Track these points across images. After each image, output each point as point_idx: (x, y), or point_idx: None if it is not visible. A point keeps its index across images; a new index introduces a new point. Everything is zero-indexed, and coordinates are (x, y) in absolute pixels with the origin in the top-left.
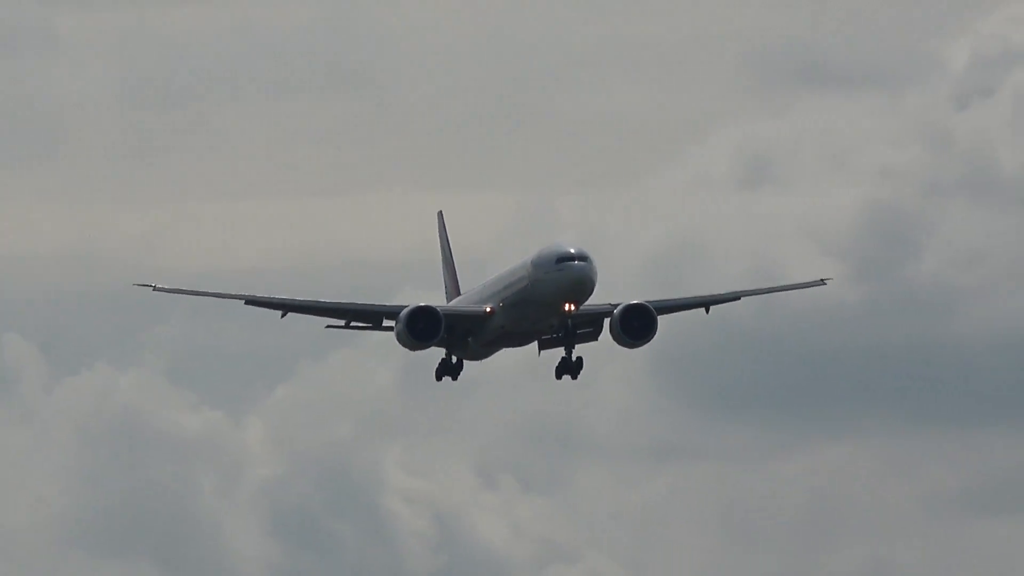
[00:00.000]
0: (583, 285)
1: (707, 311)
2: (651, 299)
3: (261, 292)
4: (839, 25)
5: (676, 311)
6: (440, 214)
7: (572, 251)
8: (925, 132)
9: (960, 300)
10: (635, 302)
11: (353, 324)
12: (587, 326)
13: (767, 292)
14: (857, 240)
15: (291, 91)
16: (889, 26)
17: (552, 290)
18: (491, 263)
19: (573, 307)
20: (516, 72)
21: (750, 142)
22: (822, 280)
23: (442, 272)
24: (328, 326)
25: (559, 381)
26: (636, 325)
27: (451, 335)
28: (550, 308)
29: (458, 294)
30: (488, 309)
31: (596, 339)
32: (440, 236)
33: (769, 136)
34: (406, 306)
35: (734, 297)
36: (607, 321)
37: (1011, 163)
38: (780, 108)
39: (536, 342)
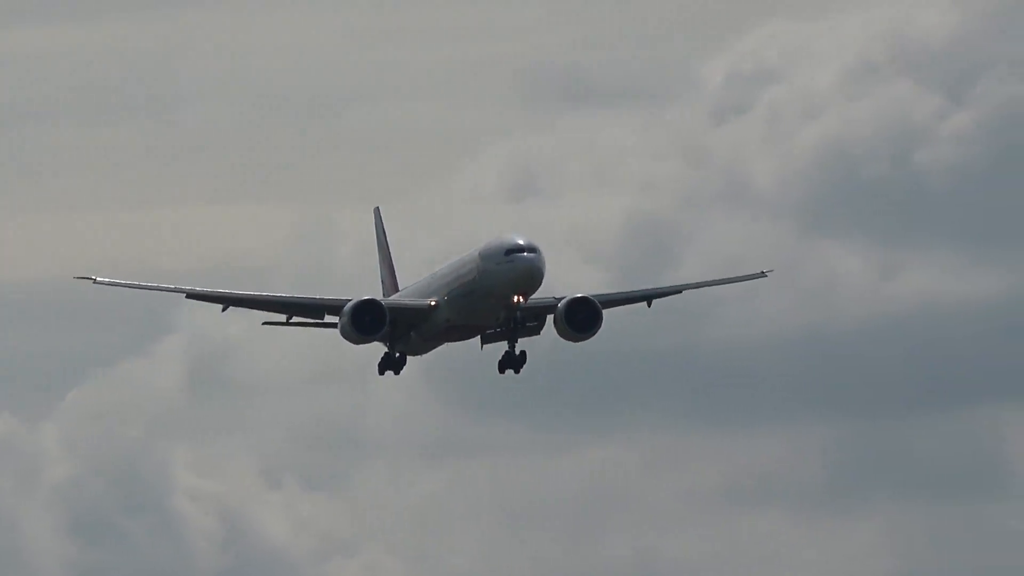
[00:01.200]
0: (532, 276)
1: (649, 304)
2: (594, 293)
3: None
4: (603, 45)
5: (619, 305)
6: (376, 210)
7: (521, 242)
8: (683, 146)
9: (717, 305)
10: (579, 295)
11: (294, 320)
12: (530, 320)
13: (709, 285)
14: (620, 248)
15: (90, 114)
16: (650, 45)
17: (501, 282)
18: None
19: (522, 299)
20: (300, 91)
21: (519, 156)
22: (763, 272)
23: (379, 268)
24: (265, 322)
25: (502, 375)
26: (580, 318)
27: (394, 329)
28: (498, 300)
29: (396, 290)
30: (432, 302)
31: (539, 333)
32: (376, 231)
33: (537, 151)
34: (349, 300)
35: (676, 291)
36: (550, 315)
37: (764, 176)
38: (547, 124)
39: (479, 336)
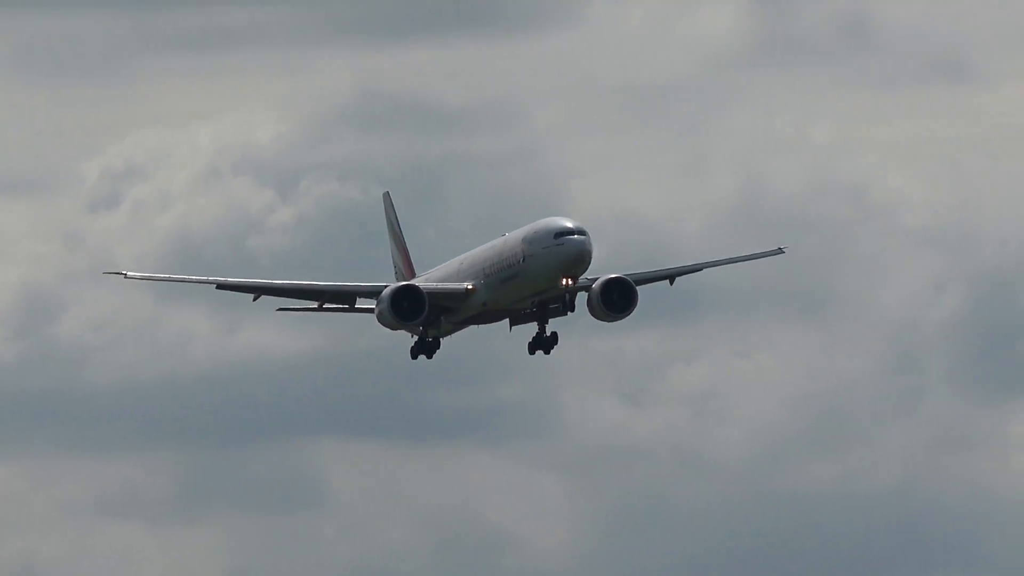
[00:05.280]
0: (583, 259)
1: (671, 283)
2: (626, 272)
3: None
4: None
5: (646, 283)
6: (386, 195)
7: (570, 225)
8: (63, 231)
9: (202, 336)
10: (614, 276)
11: (327, 306)
12: (556, 301)
13: (728, 263)
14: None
15: None
16: (42, 144)
17: (552, 265)
18: None
19: (570, 281)
20: None
21: None
22: (780, 248)
23: (391, 253)
24: (280, 308)
25: (532, 356)
26: (616, 299)
27: (428, 314)
28: (545, 283)
29: (412, 274)
30: (470, 286)
31: (566, 314)
32: (388, 216)
33: None
34: (386, 285)
35: (696, 268)
36: (580, 296)
37: (128, 256)
38: None
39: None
